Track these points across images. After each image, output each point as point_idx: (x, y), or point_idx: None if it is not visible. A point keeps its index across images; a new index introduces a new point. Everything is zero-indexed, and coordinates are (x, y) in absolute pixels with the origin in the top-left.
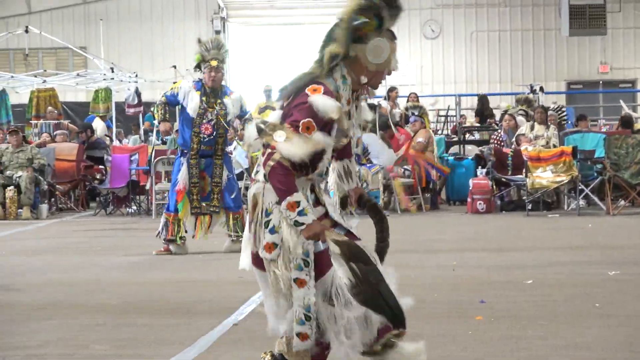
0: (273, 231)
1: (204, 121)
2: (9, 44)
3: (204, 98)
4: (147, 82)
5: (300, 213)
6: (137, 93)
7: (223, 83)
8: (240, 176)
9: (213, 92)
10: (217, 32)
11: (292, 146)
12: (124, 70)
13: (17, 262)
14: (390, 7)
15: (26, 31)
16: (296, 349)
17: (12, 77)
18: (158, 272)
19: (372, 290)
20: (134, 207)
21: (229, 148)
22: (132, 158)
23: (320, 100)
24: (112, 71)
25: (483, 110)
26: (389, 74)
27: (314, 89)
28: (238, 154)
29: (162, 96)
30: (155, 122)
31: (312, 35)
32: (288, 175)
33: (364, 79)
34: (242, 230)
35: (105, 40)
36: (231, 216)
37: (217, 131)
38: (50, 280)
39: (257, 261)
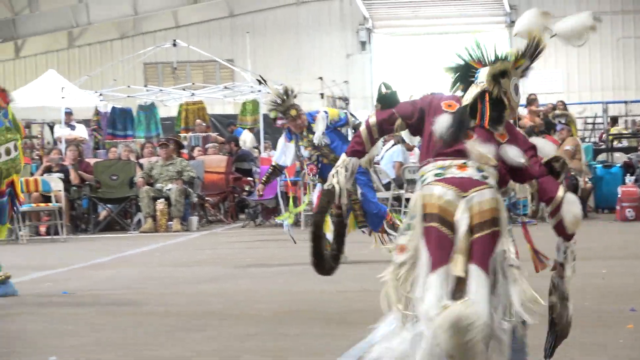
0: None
1: (309, 163)
2: (158, 57)
3: (299, 143)
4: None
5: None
6: None
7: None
8: (387, 186)
9: (301, 132)
10: (363, 43)
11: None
12: (270, 82)
13: (169, 274)
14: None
15: (174, 45)
16: None
17: (161, 90)
18: (309, 282)
19: None
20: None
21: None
22: None
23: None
24: (259, 83)
25: None
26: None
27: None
28: (384, 164)
29: (274, 161)
30: (259, 187)
31: (456, 44)
32: None
33: (512, 115)
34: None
35: (251, 52)
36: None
37: (324, 159)
38: (202, 292)
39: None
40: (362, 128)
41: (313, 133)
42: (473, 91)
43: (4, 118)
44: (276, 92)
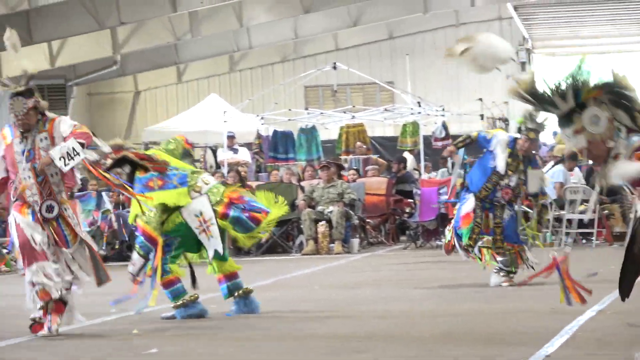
0: None
1: (503, 183)
2: (318, 80)
3: (509, 160)
4: (453, 116)
5: None
6: (444, 126)
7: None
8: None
9: (518, 157)
10: (523, 64)
11: None
12: (430, 104)
13: (330, 296)
14: None
15: (334, 68)
16: None
17: (322, 113)
18: (471, 303)
19: None
20: (444, 240)
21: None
22: (441, 191)
23: None
24: (419, 105)
25: None
26: None
27: None
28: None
29: (475, 132)
30: (450, 145)
31: (618, 63)
32: None
33: None
34: (515, 266)
35: (411, 74)
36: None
37: (509, 193)
38: (363, 313)
39: None
40: None
41: (524, 163)
42: None
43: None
44: (530, 111)
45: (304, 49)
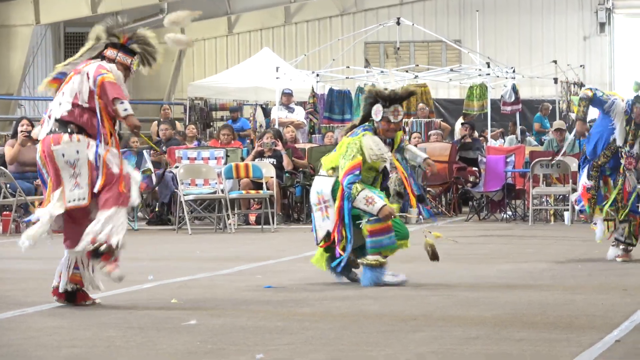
0: None
1: (626, 151)
2: (380, 36)
3: (627, 127)
4: (525, 78)
5: None
6: (514, 90)
7: None
8: None
9: (637, 125)
10: (602, 25)
11: None
12: (500, 65)
13: None
14: None
15: (397, 23)
16: None
17: (382, 72)
18: (539, 282)
19: None
20: (509, 213)
21: None
22: (508, 160)
23: None
24: (488, 66)
25: None
26: None
27: None
28: None
29: (592, 92)
30: (573, 115)
31: None
32: None
33: None
34: (636, 239)
35: (481, 33)
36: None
37: None
38: (420, 290)
39: None
40: None
41: None
42: None
43: None
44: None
45: (365, 2)
